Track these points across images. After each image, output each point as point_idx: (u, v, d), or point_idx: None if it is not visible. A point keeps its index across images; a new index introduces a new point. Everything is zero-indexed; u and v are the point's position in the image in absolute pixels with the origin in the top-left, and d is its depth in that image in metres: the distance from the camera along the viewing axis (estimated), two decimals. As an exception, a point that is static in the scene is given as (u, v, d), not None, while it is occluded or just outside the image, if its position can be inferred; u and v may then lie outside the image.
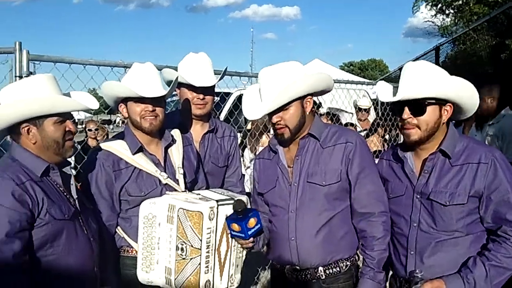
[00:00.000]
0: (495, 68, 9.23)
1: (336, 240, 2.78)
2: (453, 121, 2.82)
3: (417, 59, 13.01)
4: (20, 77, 3.32)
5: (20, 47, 3.38)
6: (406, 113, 2.58)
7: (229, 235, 2.77)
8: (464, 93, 2.59)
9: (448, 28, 20.24)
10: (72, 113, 2.55)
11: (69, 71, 3.67)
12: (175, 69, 3.45)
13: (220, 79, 3.56)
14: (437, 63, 11.24)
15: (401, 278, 2.76)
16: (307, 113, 2.84)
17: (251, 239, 2.74)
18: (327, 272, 2.79)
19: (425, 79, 2.57)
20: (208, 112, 3.55)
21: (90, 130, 7.60)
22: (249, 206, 2.87)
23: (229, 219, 2.70)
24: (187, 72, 3.38)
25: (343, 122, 7.92)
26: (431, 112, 2.57)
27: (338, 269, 2.80)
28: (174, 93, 3.52)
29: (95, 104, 2.67)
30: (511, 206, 2.46)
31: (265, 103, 2.74)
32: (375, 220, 2.75)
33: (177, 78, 3.17)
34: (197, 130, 3.55)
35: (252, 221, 2.67)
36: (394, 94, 2.74)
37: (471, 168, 2.53)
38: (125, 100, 2.94)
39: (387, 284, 2.91)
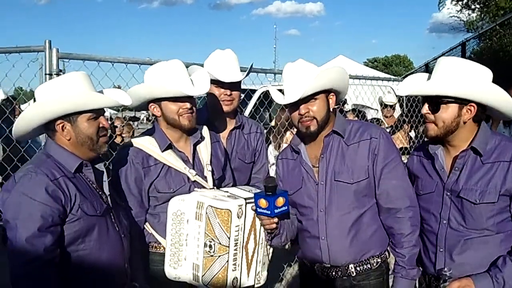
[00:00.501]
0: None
1: (366, 237, 2.77)
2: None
3: (442, 54, 12.89)
4: (50, 75, 3.36)
5: (50, 45, 3.42)
6: (425, 108, 2.60)
7: (255, 212, 2.72)
8: (493, 96, 2.55)
9: (474, 23, 20.00)
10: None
11: (97, 68, 3.70)
12: (201, 66, 3.46)
13: (246, 75, 3.57)
14: (463, 58, 11.10)
15: (430, 275, 2.75)
16: (331, 108, 2.85)
17: (276, 219, 2.69)
18: (358, 269, 2.79)
19: (449, 77, 2.55)
20: (235, 109, 3.56)
21: (116, 127, 7.73)
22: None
23: (258, 195, 2.66)
24: (214, 68, 3.39)
25: (369, 118, 7.85)
26: (448, 110, 2.54)
27: (369, 265, 2.79)
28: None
29: (127, 100, 2.67)
30: None
31: (296, 91, 2.72)
32: (402, 216, 2.73)
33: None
34: (224, 126, 3.56)
35: (280, 200, 2.63)
36: (400, 99, 2.78)
37: (503, 166, 2.50)
38: (158, 99, 2.94)
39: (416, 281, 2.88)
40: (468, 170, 2.58)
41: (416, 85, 2.64)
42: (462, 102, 2.54)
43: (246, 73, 3.57)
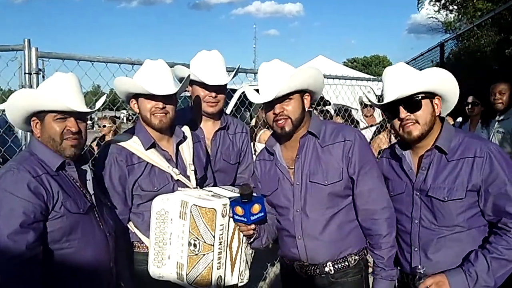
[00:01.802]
0: (500, 64, 9.21)
1: (343, 235, 2.80)
2: (446, 117, 2.85)
3: (421, 55, 13.03)
4: (30, 74, 3.33)
5: (29, 44, 3.38)
6: (403, 112, 2.61)
7: (232, 219, 2.74)
8: (448, 84, 2.65)
9: (452, 24, 20.22)
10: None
11: (77, 68, 3.66)
12: (187, 66, 3.44)
13: (233, 77, 3.54)
14: (441, 59, 11.26)
15: (406, 274, 2.78)
16: (306, 109, 2.86)
17: (253, 225, 2.73)
18: (336, 266, 2.81)
19: (411, 77, 2.63)
20: (220, 110, 3.53)
21: (104, 126, 7.82)
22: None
23: (234, 202, 2.68)
24: (200, 70, 3.37)
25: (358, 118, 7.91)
26: (425, 106, 2.61)
27: (346, 263, 2.81)
28: (187, 89, 3.53)
29: (78, 107, 2.53)
30: (510, 198, 2.46)
31: (271, 91, 2.73)
32: (378, 218, 2.75)
33: (188, 76, 3.18)
34: (209, 127, 3.54)
35: (256, 207, 2.66)
36: (380, 100, 2.81)
37: (467, 162, 2.54)
38: (137, 96, 2.95)
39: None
40: (435, 168, 2.63)
41: (390, 92, 2.66)
42: (430, 96, 2.62)
43: (231, 76, 3.55)
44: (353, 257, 2.82)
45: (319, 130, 2.85)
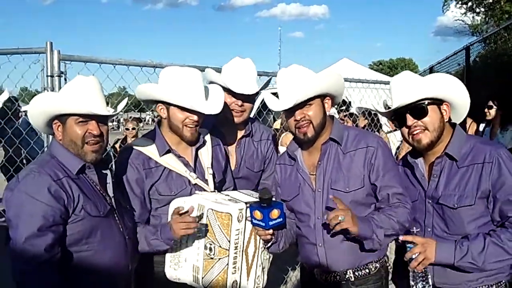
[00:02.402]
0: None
1: (363, 245, 2.74)
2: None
3: (446, 58, 12.87)
4: (52, 76, 3.38)
5: (51, 47, 3.43)
6: (410, 120, 2.61)
7: (250, 223, 2.74)
8: (455, 90, 2.64)
9: (479, 27, 19.99)
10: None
11: (99, 71, 3.71)
12: (214, 69, 3.42)
13: (261, 88, 3.45)
14: (467, 62, 11.09)
15: None
16: (328, 113, 2.84)
17: (271, 230, 2.72)
18: (356, 274, 2.79)
19: (415, 84, 2.63)
20: (245, 120, 3.47)
21: (127, 129, 7.91)
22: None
23: (253, 206, 2.68)
24: (229, 77, 3.32)
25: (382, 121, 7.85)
26: (432, 112, 2.60)
27: (367, 271, 2.79)
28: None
29: (102, 111, 2.55)
30: None
31: (290, 97, 2.72)
32: (402, 206, 2.70)
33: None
34: (233, 134, 3.51)
35: (275, 212, 2.65)
36: (387, 107, 2.80)
37: (477, 168, 2.53)
38: (167, 103, 2.91)
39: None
40: (446, 176, 2.63)
41: (396, 99, 2.66)
42: (438, 103, 2.62)
43: (261, 87, 3.46)
44: (373, 265, 2.81)
45: (341, 136, 2.83)
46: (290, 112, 2.75)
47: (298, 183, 2.91)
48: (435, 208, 2.64)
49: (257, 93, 3.44)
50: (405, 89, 2.62)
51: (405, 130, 2.66)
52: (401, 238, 2.55)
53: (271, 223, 2.65)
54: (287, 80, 2.78)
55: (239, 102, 3.32)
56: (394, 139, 7.44)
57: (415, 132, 2.61)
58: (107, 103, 2.65)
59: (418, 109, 2.59)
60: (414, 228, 2.58)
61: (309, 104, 2.73)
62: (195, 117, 2.87)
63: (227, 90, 3.28)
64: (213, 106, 2.94)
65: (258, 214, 2.65)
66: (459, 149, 2.60)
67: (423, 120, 2.59)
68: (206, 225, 2.71)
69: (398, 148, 7.21)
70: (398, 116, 2.67)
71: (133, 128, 7.87)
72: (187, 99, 2.82)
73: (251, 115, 7.51)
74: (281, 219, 2.70)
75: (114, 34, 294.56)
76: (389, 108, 2.73)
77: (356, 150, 2.78)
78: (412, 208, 2.75)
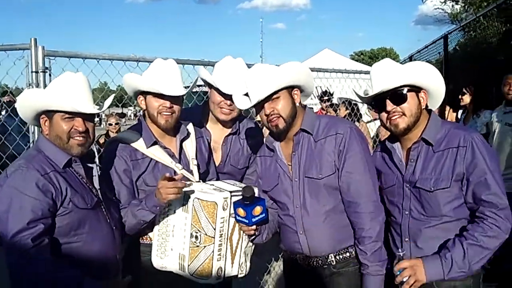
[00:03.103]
0: (506, 55, 9.19)
1: (343, 228, 2.86)
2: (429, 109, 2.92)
3: (426, 47, 12.99)
4: (36, 72, 3.41)
5: (36, 43, 3.46)
6: (389, 105, 2.68)
7: (234, 219, 2.84)
8: (432, 78, 2.73)
9: (458, 15, 20.08)
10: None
11: (83, 66, 3.76)
12: (196, 63, 3.47)
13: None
14: (445, 51, 11.21)
15: None
16: (297, 103, 2.91)
17: (254, 226, 2.83)
18: (338, 258, 2.88)
19: (397, 70, 2.71)
20: (233, 119, 3.50)
21: (111, 124, 7.97)
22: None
23: (236, 203, 2.78)
24: (219, 76, 3.36)
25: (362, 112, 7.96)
26: (411, 99, 2.68)
27: (348, 254, 2.88)
28: (199, 83, 3.57)
29: (87, 108, 2.60)
30: (488, 186, 2.52)
31: (255, 94, 2.80)
32: (361, 211, 2.79)
33: (196, 79, 3.23)
34: (219, 131, 3.55)
35: (257, 209, 2.76)
36: (366, 93, 2.89)
37: (452, 152, 2.62)
38: (145, 93, 3.01)
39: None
40: (422, 160, 2.72)
41: (377, 85, 2.73)
42: (416, 90, 2.70)
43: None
44: (354, 248, 2.88)
45: (312, 126, 2.90)
46: (259, 107, 2.83)
47: (277, 174, 3.00)
48: (412, 191, 2.73)
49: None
50: (386, 75, 2.69)
51: (384, 115, 2.73)
52: (395, 269, 2.62)
53: (254, 219, 2.76)
54: (251, 79, 2.85)
55: (228, 102, 3.33)
56: (374, 127, 7.55)
57: (393, 118, 2.68)
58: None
59: (397, 95, 2.66)
60: (400, 250, 2.65)
61: (276, 98, 2.79)
62: (168, 103, 2.95)
63: (216, 88, 3.34)
64: (182, 88, 3.00)
65: (241, 211, 2.76)
66: (434, 134, 2.69)
67: (402, 106, 2.66)
68: (192, 213, 2.78)
69: (376, 136, 7.32)
70: (378, 101, 2.74)
71: (116, 123, 7.90)
72: (157, 85, 2.91)
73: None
74: (264, 215, 2.81)
75: (98, 28, 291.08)
76: (368, 95, 2.80)
77: (326, 137, 2.86)
78: (390, 192, 2.85)
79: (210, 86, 3.41)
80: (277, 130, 2.85)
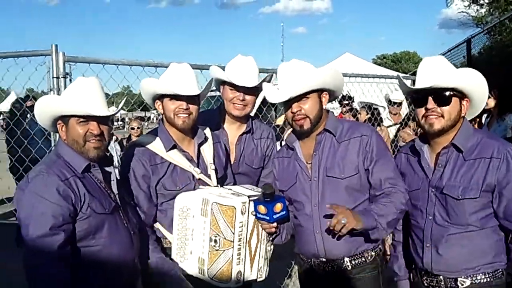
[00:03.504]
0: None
1: (359, 232, 2.81)
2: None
3: (449, 51, 12.85)
4: (57, 78, 3.46)
5: (56, 49, 3.51)
6: (431, 103, 2.62)
7: (254, 217, 2.83)
8: (481, 89, 2.66)
9: (483, 19, 19.88)
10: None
11: (102, 71, 3.82)
12: (219, 67, 3.51)
13: (261, 82, 3.45)
14: (468, 55, 11.08)
15: (420, 270, 2.80)
16: (324, 107, 2.94)
17: (275, 224, 2.81)
18: (353, 262, 2.87)
19: (449, 71, 2.64)
20: (247, 114, 3.54)
21: (133, 128, 8.08)
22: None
23: (257, 201, 2.77)
24: (231, 71, 3.42)
25: (383, 116, 7.89)
26: (454, 103, 2.61)
27: (363, 259, 2.87)
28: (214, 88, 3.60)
29: (100, 111, 2.61)
30: None
31: (287, 90, 2.81)
32: (395, 191, 2.80)
33: (212, 79, 3.28)
34: (234, 130, 3.58)
35: (278, 206, 2.75)
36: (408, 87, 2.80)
37: (484, 162, 2.56)
38: (161, 97, 3.04)
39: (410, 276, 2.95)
40: (451, 166, 2.66)
41: (425, 80, 2.65)
42: (461, 96, 2.63)
43: (262, 80, 3.46)
44: (369, 253, 2.89)
45: (336, 128, 2.93)
46: (287, 104, 2.86)
47: (295, 172, 3.01)
48: (438, 197, 2.68)
49: (259, 89, 3.48)
50: (437, 73, 2.62)
51: (422, 111, 2.66)
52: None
53: (275, 216, 2.75)
54: (286, 73, 2.88)
55: (241, 96, 3.38)
56: (391, 134, 7.49)
57: (430, 116, 2.62)
58: (112, 103, 2.73)
59: (442, 96, 2.60)
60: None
61: (306, 97, 2.83)
62: (184, 105, 2.97)
63: (229, 85, 3.39)
64: (196, 88, 3.03)
65: (262, 208, 2.74)
66: (466, 141, 2.63)
67: (443, 107, 2.60)
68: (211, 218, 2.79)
69: (396, 140, 7.25)
70: (419, 96, 2.68)
71: (138, 128, 8.01)
72: (171, 86, 2.94)
73: (252, 112, 7.58)
74: (284, 212, 2.79)
75: (119, 33, 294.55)
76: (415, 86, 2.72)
77: (350, 139, 2.89)
78: (413, 196, 2.81)
79: (223, 83, 3.46)
80: (301, 129, 2.89)
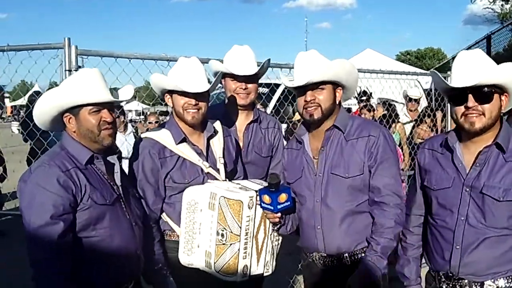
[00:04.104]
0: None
1: (360, 229, 2.85)
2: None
3: (469, 48, 12.70)
4: (70, 71, 3.48)
5: (69, 42, 3.54)
6: (472, 101, 2.47)
7: (262, 212, 2.85)
8: None
9: (508, 15, 19.60)
10: (126, 103, 2.67)
11: (115, 64, 3.84)
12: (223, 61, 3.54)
13: (260, 69, 3.53)
14: (488, 52, 10.92)
15: (440, 274, 2.69)
16: (337, 102, 2.93)
17: (279, 214, 2.81)
18: (353, 258, 2.87)
19: (489, 66, 2.51)
20: (252, 102, 3.62)
21: (150, 123, 8.22)
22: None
23: (262, 191, 2.79)
24: (230, 62, 3.48)
25: (400, 113, 7.84)
26: (495, 100, 2.49)
27: (363, 255, 2.84)
28: (221, 85, 3.65)
29: (123, 97, 2.74)
30: None
31: (304, 76, 2.81)
32: (388, 211, 2.78)
33: (220, 72, 3.31)
34: (242, 120, 3.63)
35: (283, 196, 2.74)
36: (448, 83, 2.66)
37: None
38: (171, 92, 3.08)
39: (423, 280, 2.90)
40: (491, 166, 2.53)
41: (466, 77, 2.50)
42: (500, 91, 2.51)
43: (260, 66, 3.55)
44: None
45: (345, 125, 2.91)
46: (302, 92, 2.86)
47: (302, 166, 3.01)
48: (473, 197, 2.54)
49: (259, 76, 3.60)
50: (478, 69, 2.49)
51: (461, 109, 2.52)
52: None
53: (279, 206, 2.75)
54: (303, 61, 2.88)
55: (243, 85, 3.46)
56: (407, 130, 7.43)
57: (471, 115, 2.49)
58: (135, 97, 2.76)
59: (483, 93, 2.46)
60: None
61: (321, 88, 2.83)
62: (193, 101, 3.00)
63: (230, 76, 3.47)
64: (205, 84, 3.05)
65: (267, 198, 2.76)
66: (508, 141, 2.53)
67: (484, 105, 2.47)
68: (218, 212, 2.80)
69: (412, 137, 7.18)
70: (458, 93, 2.54)
71: (156, 122, 8.04)
72: (180, 83, 2.97)
73: (271, 106, 7.56)
74: (289, 203, 2.79)
75: (141, 30, 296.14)
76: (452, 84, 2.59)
77: (358, 138, 2.87)
78: (442, 195, 2.68)
79: (224, 76, 3.51)
80: (311, 118, 2.87)
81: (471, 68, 2.51)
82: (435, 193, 2.72)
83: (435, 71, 2.93)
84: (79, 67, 3.52)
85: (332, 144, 2.91)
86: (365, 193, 2.87)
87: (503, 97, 2.53)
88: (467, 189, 2.56)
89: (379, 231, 2.78)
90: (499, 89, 2.50)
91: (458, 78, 2.53)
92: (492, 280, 2.52)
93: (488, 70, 2.47)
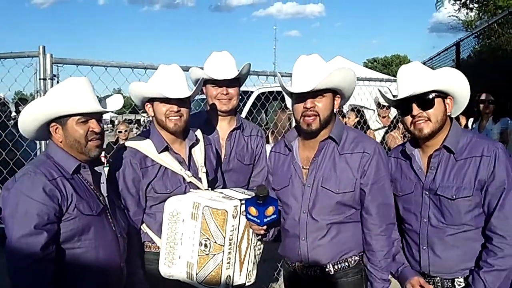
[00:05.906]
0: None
1: (345, 240, 2.82)
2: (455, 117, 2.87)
3: (438, 55, 12.94)
4: (44, 79, 3.42)
5: (44, 51, 3.47)
6: (416, 109, 2.63)
7: (245, 222, 2.81)
8: (461, 85, 2.68)
9: (472, 23, 20.02)
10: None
11: (91, 73, 3.77)
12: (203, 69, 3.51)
13: (240, 73, 3.50)
14: (457, 58, 11.14)
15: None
16: (335, 110, 2.86)
17: (265, 226, 2.77)
18: (336, 267, 2.83)
19: (425, 75, 2.67)
20: (234, 108, 3.57)
21: (120, 132, 8.05)
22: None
23: (248, 202, 2.73)
24: (210, 68, 3.45)
25: (367, 118, 7.90)
26: (438, 104, 2.64)
27: (346, 264, 2.83)
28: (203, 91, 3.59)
29: (111, 107, 2.70)
30: (502, 205, 2.51)
31: (307, 82, 2.71)
32: (379, 234, 2.78)
33: (202, 78, 3.26)
34: (224, 127, 3.59)
35: (270, 209, 2.71)
36: (394, 95, 2.82)
37: (475, 161, 2.59)
38: (152, 100, 3.02)
39: None
40: (443, 168, 2.68)
41: (404, 88, 2.68)
42: (443, 96, 2.65)
43: (239, 71, 3.52)
44: (353, 258, 2.85)
45: (340, 137, 2.85)
46: (301, 98, 2.75)
47: (289, 175, 2.94)
48: (432, 199, 2.69)
49: (240, 81, 3.58)
50: (415, 79, 2.65)
51: (409, 118, 2.68)
52: None
53: (265, 220, 2.72)
54: (306, 66, 2.78)
55: (224, 91, 3.44)
56: (379, 136, 7.50)
57: (418, 122, 2.64)
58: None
59: (425, 100, 2.62)
60: None
61: (322, 95, 2.74)
62: (175, 108, 2.97)
63: (211, 82, 3.44)
64: (186, 90, 3.01)
65: (253, 210, 2.71)
66: (456, 142, 2.66)
67: (428, 111, 2.63)
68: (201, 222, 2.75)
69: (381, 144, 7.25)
70: (403, 104, 2.69)
71: (125, 130, 7.97)
72: (162, 90, 2.92)
73: (244, 113, 7.54)
74: (276, 216, 2.76)
75: (112, 36, 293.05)
76: (394, 96, 2.76)
77: (352, 154, 2.80)
78: (406, 200, 2.82)
79: (205, 83, 3.47)
80: (308, 129, 2.78)
81: (410, 79, 2.68)
82: (401, 199, 2.87)
83: (380, 89, 3.03)
84: (54, 75, 3.46)
85: (325, 156, 2.84)
86: (354, 207, 2.82)
87: (447, 101, 2.67)
88: (427, 192, 2.73)
89: (375, 256, 2.79)
90: (442, 93, 2.66)
91: (400, 91, 2.70)
92: (463, 277, 2.63)
93: (424, 79, 2.65)
